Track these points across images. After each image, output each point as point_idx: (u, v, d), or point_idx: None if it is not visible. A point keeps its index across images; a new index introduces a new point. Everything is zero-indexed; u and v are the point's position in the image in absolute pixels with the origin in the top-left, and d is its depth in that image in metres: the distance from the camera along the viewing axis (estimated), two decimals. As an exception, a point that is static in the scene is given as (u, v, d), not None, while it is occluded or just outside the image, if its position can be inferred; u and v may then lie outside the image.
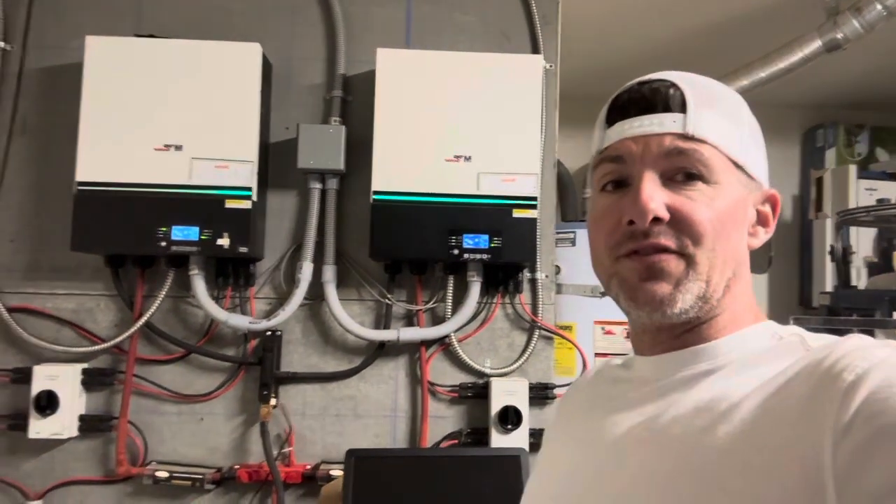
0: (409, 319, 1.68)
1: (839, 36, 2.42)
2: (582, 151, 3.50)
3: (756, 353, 0.58)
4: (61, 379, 1.54)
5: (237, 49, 1.55)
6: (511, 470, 1.43)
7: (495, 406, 1.59)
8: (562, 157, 1.91)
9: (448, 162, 1.54)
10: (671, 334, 0.61)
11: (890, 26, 2.40)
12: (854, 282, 3.23)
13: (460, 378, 1.67)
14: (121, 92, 1.52)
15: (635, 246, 0.58)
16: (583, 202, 3.49)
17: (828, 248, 3.40)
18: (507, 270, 1.66)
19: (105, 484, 1.60)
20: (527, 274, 1.70)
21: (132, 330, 1.58)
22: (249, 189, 1.52)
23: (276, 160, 1.67)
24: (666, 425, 0.57)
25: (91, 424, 1.59)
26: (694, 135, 0.58)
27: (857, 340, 0.53)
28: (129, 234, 1.51)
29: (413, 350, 1.67)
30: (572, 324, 2.80)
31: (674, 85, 0.60)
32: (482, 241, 1.53)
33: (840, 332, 0.57)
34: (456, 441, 1.64)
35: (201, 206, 1.51)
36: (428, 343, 1.66)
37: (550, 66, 1.72)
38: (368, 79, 1.61)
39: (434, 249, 1.54)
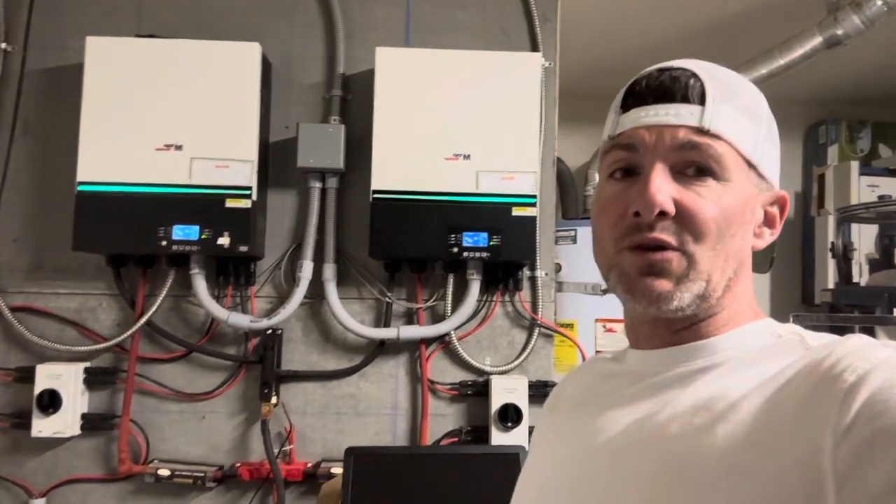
0: (409, 318, 1.69)
1: (839, 32, 2.41)
2: (582, 149, 3.52)
3: (755, 351, 0.57)
4: (64, 378, 1.55)
5: (237, 49, 1.56)
6: (511, 468, 1.43)
7: (495, 404, 1.60)
8: (562, 154, 1.91)
9: (447, 160, 1.55)
10: (669, 329, 0.61)
11: (891, 21, 2.39)
12: (856, 279, 3.22)
13: (460, 376, 1.68)
14: (121, 92, 1.52)
15: (639, 240, 0.57)
16: (584, 200, 3.48)
17: (829, 245, 3.39)
18: (507, 268, 1.66)
19: (107, 482, 1.61)
20: (527, 272, 1.70)
21: (134, 329, 1.59)
22: (249, 188, 1.53)
23: (275, 159, 1.68)
24: (663, 423, 0.56)
25: (93, 423, 1.60)
26: (710, 129, 0.57)
27: (857, 340, 0.53)
28: (131, 234, 1.51)
29: (413, 348, 1.68)
30: (574, 321, 2.80)
31: (694, 75, 0.59)
32: (482, 239, 1.53)
33: (841, 330, 0.57)
34: (456, 439, 1.64)
35: (201, 205, 1.51)
36: (428, 341, 1.67)
37: (550, 64, 1.72)
38: (368, 77, 1.61)
39: (434, 248, 1.54)
